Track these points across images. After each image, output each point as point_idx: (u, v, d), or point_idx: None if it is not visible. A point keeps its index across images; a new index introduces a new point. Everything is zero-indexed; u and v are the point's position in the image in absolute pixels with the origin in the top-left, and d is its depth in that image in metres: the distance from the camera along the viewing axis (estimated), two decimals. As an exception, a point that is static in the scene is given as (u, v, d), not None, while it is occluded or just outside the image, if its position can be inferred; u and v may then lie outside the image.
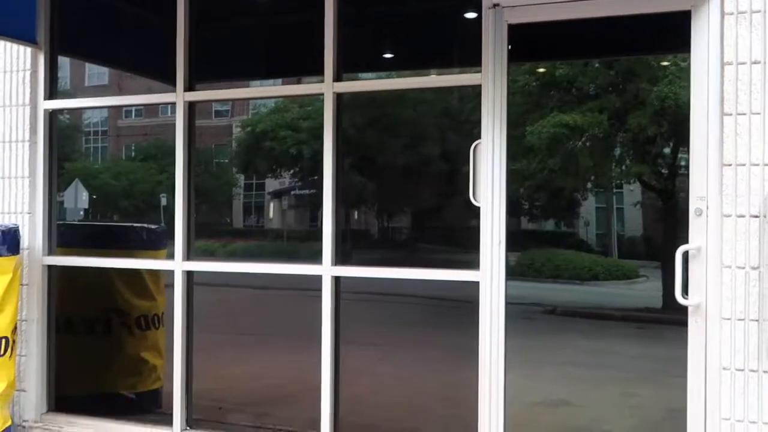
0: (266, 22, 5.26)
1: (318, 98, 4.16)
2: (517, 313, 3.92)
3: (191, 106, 4.41)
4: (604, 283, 15.91)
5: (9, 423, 4.34)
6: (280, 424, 4.96)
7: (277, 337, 9.10)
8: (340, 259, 4.08)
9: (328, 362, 4.02)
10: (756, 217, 3.17)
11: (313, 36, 4.09)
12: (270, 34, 5.45)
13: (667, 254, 3.98)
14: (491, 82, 3.65)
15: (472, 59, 3.76)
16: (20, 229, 4.48)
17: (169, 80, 4.40)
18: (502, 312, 3.66)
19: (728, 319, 3.22)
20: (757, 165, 3.17)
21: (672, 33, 3.74)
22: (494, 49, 3.65)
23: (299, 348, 5.41)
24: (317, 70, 4.09)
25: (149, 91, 5.04)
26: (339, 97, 4.07)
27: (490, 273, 3.66)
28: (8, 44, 4.67)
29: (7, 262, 4.24)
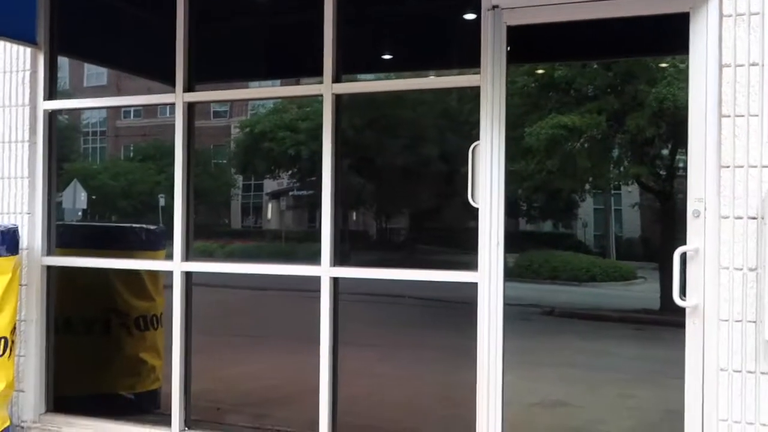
0: (265, 23, 5.26)
1: (317, 99, 4.17)
2: (515, 314, 3.93)
3: (190, 107, 4.42)
4: (602, 285, 15.92)
5: (7, 423, 4.34)
6: (279, 425, 4.96)
7: (276, 338, 9.10)
8: (339, 260, 4.09)
9: (327, 363, 4.03)
10: (754, 218, 3.18)
11: (312, 37, 4.10)
12: (269, 35, 5.46)
13: (665, 256, 4.00)
14: (490, 84, 3.66)
15: (470, 60, 3.77)
16: (19, 229, 4.48)
17: (169, 81, 4.41)
18: (501, 313, 3.67)
19: (726, 320, 3.22)
20: (755, 167, 3.18)
21: (670, 35, 3.75)
22: (493, 50, 3.66)
23: (297, 349, 5.41)
24: (316, 71, 4.10)
25: (148, 91, 5.05)
26: (338, 98, 4.08)
27: (488, 274, 3.67)
28: (8, 44, 4.67)
29: (7, 262, 4.24)
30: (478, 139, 3.69)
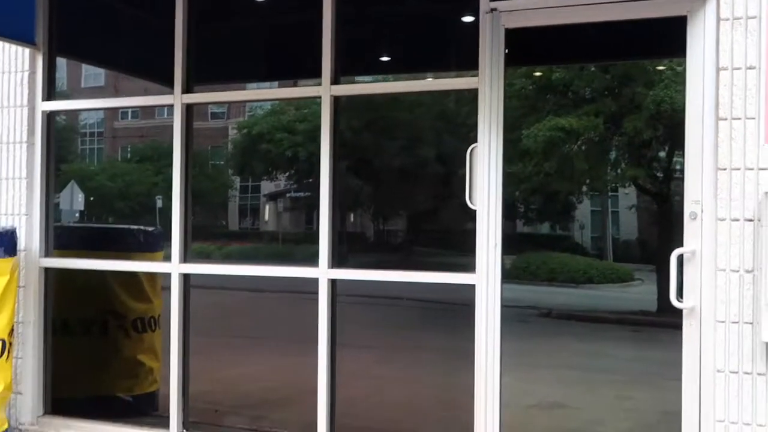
0: (264, 24, 5.27)
1: (314, 101, 4.17)
2: (512, 316, 3.95)
3: (189, 108, 4.41)
4: (599, 286, 15.96)
5: (5, 426, 4.33)
6: (277, 427, 4.96)
7: (273, 339, 9.10)
8: (337, 261, 4.09)
9: (325, 365, 4.02)
10: (750, 220, 3.19)
11: (310, 39, 4.11)
12: (268, 37, 5.47)
13: (662, 257, 4.01)
14: (488, 86, 3.67)
15: (469, 63, 3.78)
16: (17, 230, 4.48)
17: (167, 82, 4.40)
18: (498, 315, 3.67)
19: (723, 321, 3.23)
20: (752, 169, 3.19)
21: (668, 38, 3.76)
22: (491, 53, 3.67)
23: (295, 351, 5.42)
24: (315, 73, 4.10)
25: (146, 92, 5.04)
26: (336, 100, 4.08)
27: (486, 276, 3.67)
28: (7, 45, 4.66)
29: (4, 264, 4.24)
30: (475, 141, 3.69)
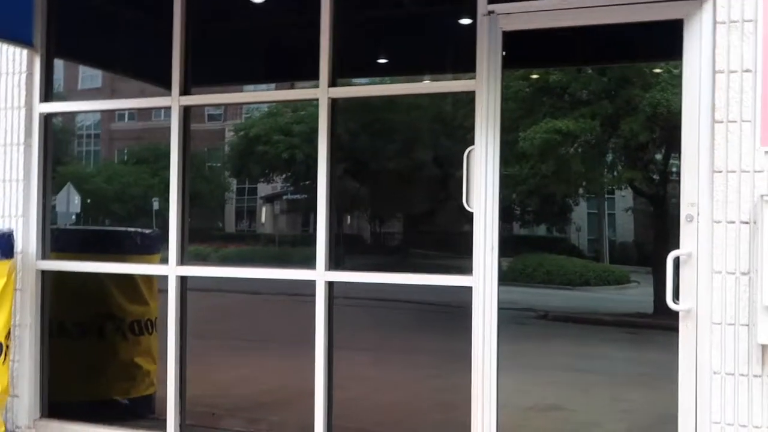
0: (262, 27, 5.27)
1: (311, 103, 4.17)
2: (509, 318, 3.96)
3: (186, 110, 4.41)
4: (596, 289, 15.97)
5: (2, 429, 4.32)
6: (273, 429, 4.97)
7: (270, 342, 9.09)
8: (334, 264, 4.09)
9: (322, 367, 4.02)
10: (746, 223, 3.21)
11: (308, 41, 4.11)
12: (265, 39, 5.48)
13: (658, 260, 4.02)
14: (485, 89, 3.67)
15: (466, 65, 3.78)
16: (14, 233, 4.47)
17: (165, 84, 4.40)
18: (495, 317, 3.68)
19: (719, 323, 3.24)
20: (748, 172, 3.20)
21: (665, 41, 3.78)
22: (489, 55, 3.68)
23: (292, 353, 5.41)
24: (312, 75, 4.10)
25: (142, 93, 5.04)
26: (334, 102, 4.08)
27: (483, 278, 3.68)
28: (4, 46, 4.65)
29: (1, 266, 4.23)
30: (472, 143, 3.70)
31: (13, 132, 4.65)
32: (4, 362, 4.26)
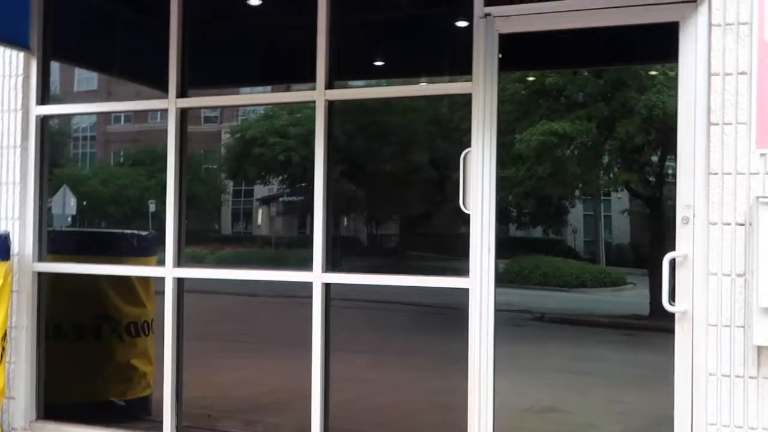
0: (259, 29, 5.28)
1: (307, 105, 4.18)
2: (505, 320, 3.96)
3: (183, 113, 4.42)
4: (592, 290, 15.99)
5: (-2, 430, 4.32)
6: (270, 431, 4.96)
7: (267, 343, 9.09)
8: (331, 265, 4.10)
9: (318, 369, 4.03)
10: (742, 225, 3.22)
11: (304, 43, 4.12)
12: (262, 42, 5.48)
13: (655, 262, 4.03)
14: (482, 91, 3.68)
15: (462, 68, 3.80)
16: (11, 235, 4.47)
17: (161, 86, 4.40)
18: (492, 319, 3.69)
19: (714, 325, 3.25)
20: (743, 174, 3.22)
21: (660, 43, 3.79)
22: (485, 58, 3.69)
23: (288, 355, 5.42)
24: (309, 77, 4.11)
25: (139, 96, 5.04)
26: (330, 105, 4.09)
27: (479, 280, 3.69)
28: (0, 49, 4.65)
29: (-2, 268, 4.23)
30: (469, 145, 3.71)
31: (10, 134, 4.65)
32: (0, 364, 4.25)
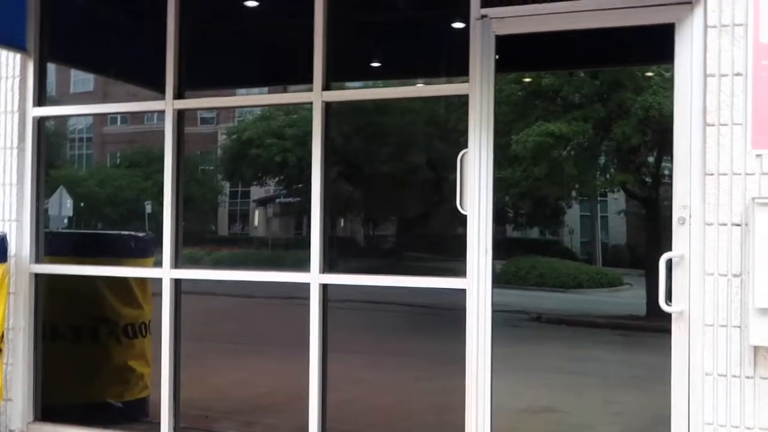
0: (256, 30, 5.28)
1: (303, 106, 4.18)
2: (502, 320, 3.97)
3: (180, 114, 4.42)
4: (589, 291, 16.02)
5: (-5, 432, 4.32)
6: (268, 432, 4.97)
7: (264, 344, 9.09)
8: (328, 266, 4.10)
9: (316, 369, 4.03)
10: (738, 225, 3.23)
11: (302, 44, 4.12)
12: (259, 43, 5.48)
13: (651, 262, 4.05)
14: (478, 92, 3.69)
15: (459, 69, 3.80)
16: (7, 236, 4.46)
17: (158, 88, 4.40)
18: (489, 319, 3.69)
19: (711, 325, 3.26)
20: (739, 174, 3.23)
21: (656, 45, 3.81)
22: (482, 59, 3.70)
23: (286, 356, 5.42)
24: (305, 79, 4.11)
25: (135, 97, 5.04)
26: (327, 106, 4.09)
27: (476, 281, 3.69)
28: (-3, 51, 4.66)
29: (-5, 269, 4.23)
30: (466, 146, 3.72)
31: (7, 136, 4.65)
32: (-3, 366, 4.25)
